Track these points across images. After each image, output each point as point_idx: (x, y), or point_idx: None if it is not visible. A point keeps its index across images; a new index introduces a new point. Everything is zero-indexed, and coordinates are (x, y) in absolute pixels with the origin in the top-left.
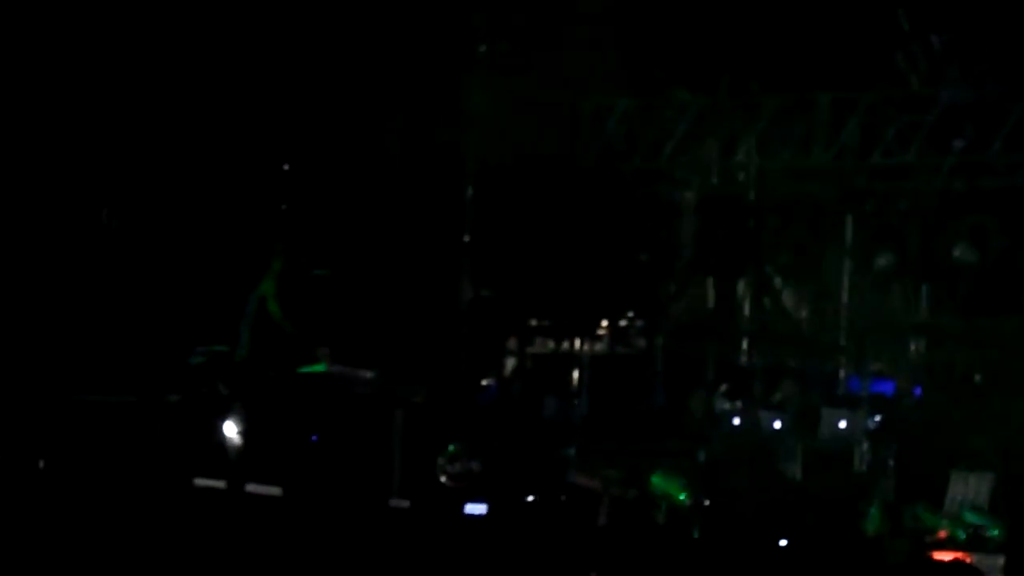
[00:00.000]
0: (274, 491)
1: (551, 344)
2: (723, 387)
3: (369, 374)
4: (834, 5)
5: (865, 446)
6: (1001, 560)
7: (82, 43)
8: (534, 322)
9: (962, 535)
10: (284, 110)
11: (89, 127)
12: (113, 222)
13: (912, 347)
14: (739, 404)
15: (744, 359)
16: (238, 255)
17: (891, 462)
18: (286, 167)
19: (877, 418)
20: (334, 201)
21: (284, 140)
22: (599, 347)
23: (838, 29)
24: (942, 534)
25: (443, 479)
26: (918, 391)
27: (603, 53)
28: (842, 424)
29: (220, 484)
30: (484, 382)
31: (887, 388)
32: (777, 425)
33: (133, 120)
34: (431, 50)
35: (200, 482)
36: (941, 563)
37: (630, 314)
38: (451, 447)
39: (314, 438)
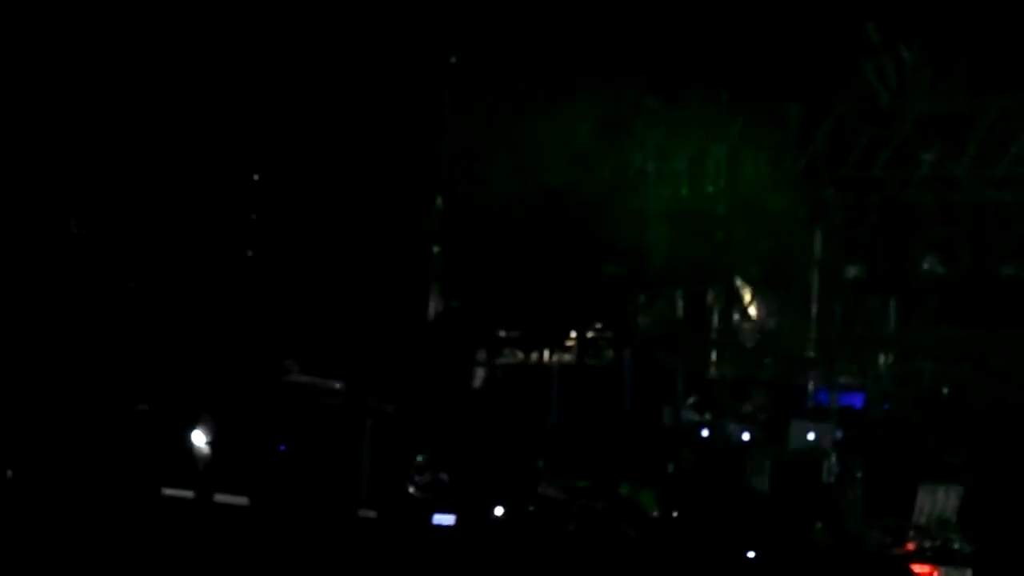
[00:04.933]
0: (241, 501)
1: (520, 355)
2: (692, 399)
3: (338, 385)
4: (804, 18)
5: (833, 458)
6: (968, 573)
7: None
8: (503, 333)
9: (930, 547)
10: (255, 118)
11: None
12: (82, 230)
13: (881, 360)
14: (708, 416)
15: (713, 371)
16: (207, 262)
17: (859, 474)
18: (256, 177)
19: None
20: (305, 211)
21: (253, 148)
22: (568, 358)
23: (808, 41)
24: (910, 546)
25: (411, 489)
26: (886, 404)
27: (576, 61)
28: (810, 436)
29: (188, 494)
30: (453, 393)
31: (856, 401)
32: (746, 437)
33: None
34: (403, 62)
35: (168, 492)
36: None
37: (598, 325)
38: (419, 457)
39: (282, 448)
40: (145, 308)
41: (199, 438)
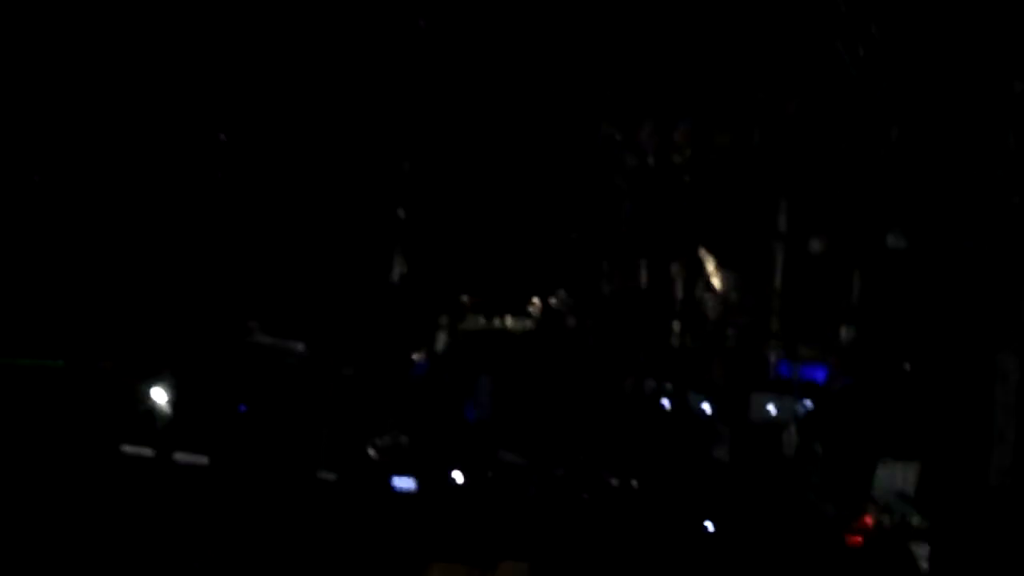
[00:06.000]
0: (201, 460)
1: (482, 320)
2: (654, 368)
3: (300, 346)
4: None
5: (793, 431)
6: (926, 548)
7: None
8: (465, 299)
9: (888, 522)
10: (223, 84)
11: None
12: (40, 183)
13: (843, 333)
14: (669, 386)
15: (675, 341)
16: (172, 222)
17: (819, 448)
18: (222, 137)
19: (808, 403)
20: (270, 174)
21: (220, 110)
22: (530, 324)
23: (777, 16)
24: (868, 520)
25: (371, 453)
26: (847, 379)
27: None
28: (771, 409)
29: (147, 452)
30: (415, 357)
31: (818, 374)
32: (706, 408)
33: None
34: (369, 31)
35: (128, 449)
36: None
37: (561, 292)
38: (380, 421)
39: (242, 408)
40: (111, 267)
41: (160, 396)
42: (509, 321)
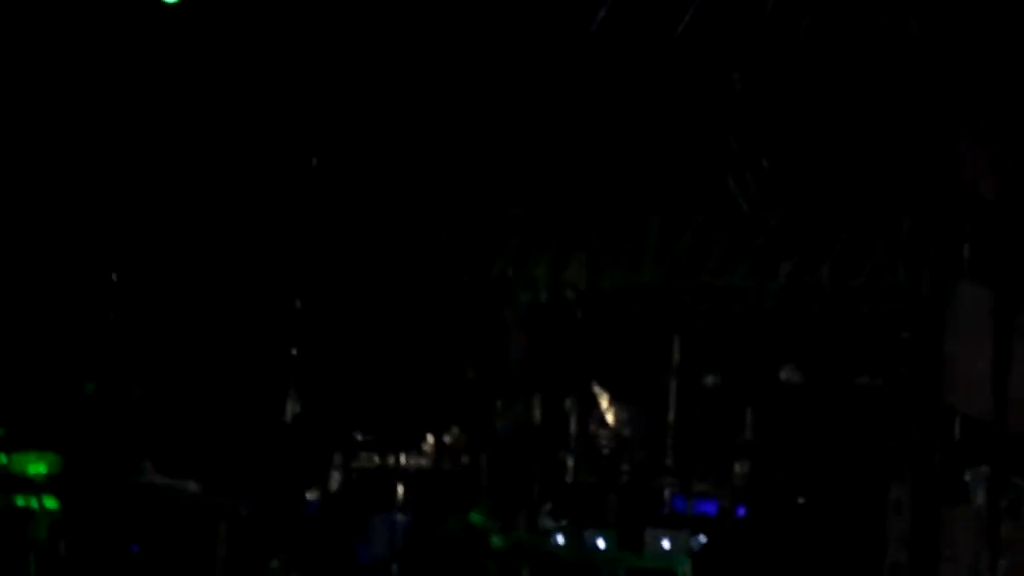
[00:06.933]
0: None
1: (376, 458)
2: (548, 505)
3: (193, 486)
4: (665, 128)
5: (688, 567)
6: None
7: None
8: (359, 436)
9: None
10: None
11: None
12: None
13: (737, 468)
14: (563, 522)
15: (569, 477)
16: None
17: None
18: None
19: (702, 538)
20: (165, 310)
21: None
22: (424, 462)
23: (670, 152)
24: None
25: None
26: (741, 511)
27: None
28: (665, 544)
29: None
30: (308, 496)
31: (710, 508)
32: (601, 544)
33: None
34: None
35: None
36: None
37: (455, 430)
38: (273, 561)
39: (135, 549)
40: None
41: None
42: (403, 458)
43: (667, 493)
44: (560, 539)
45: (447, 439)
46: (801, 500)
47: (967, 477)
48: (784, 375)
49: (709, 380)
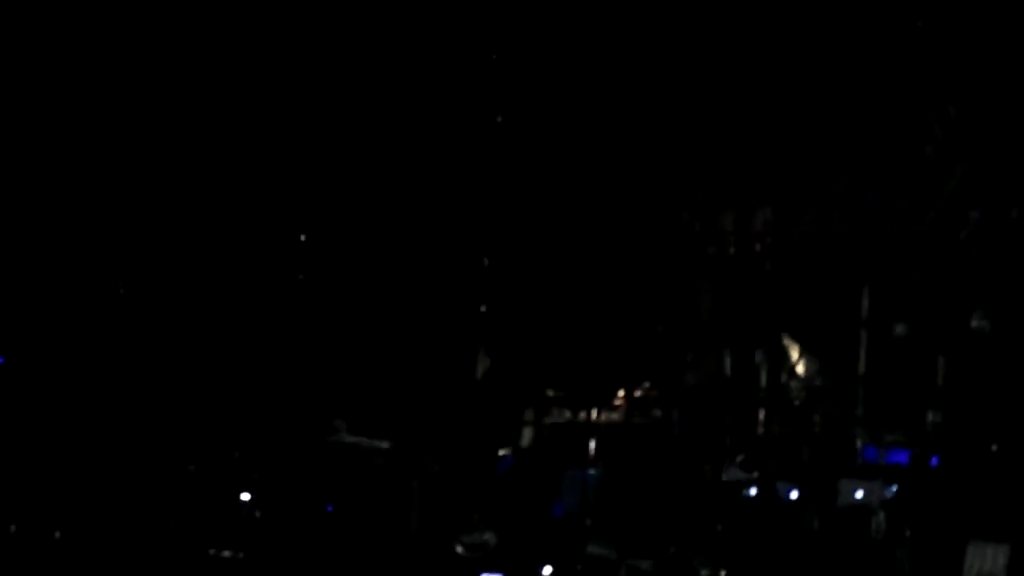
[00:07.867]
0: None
1: (567, 414)
2: (739, 457)
3: (385, 444)
4: (850, 78)
5: (882, 516)
6: None
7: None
8: (550, 392)
9: None
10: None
11: None
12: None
13: (929, 417)
14: (755, 474)
15: (760, 429)
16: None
17: (908, 532)
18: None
19: (894, 488)
20: (355, 270)
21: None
22: (615, 417)
23: (856, 102)
24: None
25: (459, 550)
26: (935, 461)
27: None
28: (859, 495)
29: (236, 553)
30: (501, 452)
31: (903, 458)
32: (794, 496)
33: None
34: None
35: (213, 552)
36: None
37: (646, 384)
38: (473, 516)
39: (329, 508)
40: (186, 366)
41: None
42: (595, 413)
43: (859, 443)
44: (752, 491)
45: (638, 393)
46: (995, 448)
47: None
48: (975, 322)
49: (899, 329)
